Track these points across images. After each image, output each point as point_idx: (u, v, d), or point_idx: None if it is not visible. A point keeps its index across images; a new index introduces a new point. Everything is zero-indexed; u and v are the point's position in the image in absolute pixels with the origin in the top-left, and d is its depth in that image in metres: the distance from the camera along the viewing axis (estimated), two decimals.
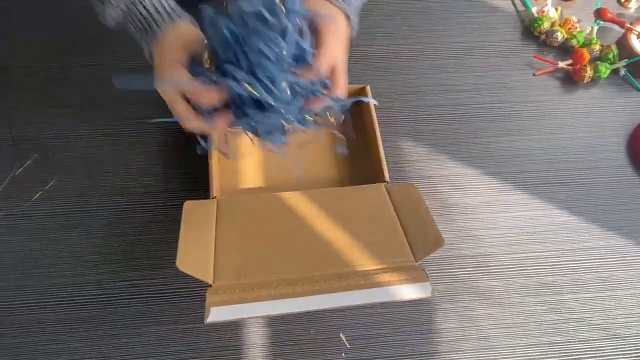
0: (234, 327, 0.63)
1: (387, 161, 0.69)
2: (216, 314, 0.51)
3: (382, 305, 0.65)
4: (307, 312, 0.64)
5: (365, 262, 0.58)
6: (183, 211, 0.58)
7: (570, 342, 0.64)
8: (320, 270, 0.57)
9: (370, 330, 0.64)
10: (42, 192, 0.70)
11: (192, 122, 0.52)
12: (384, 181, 0.67)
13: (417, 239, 0.59)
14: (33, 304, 0.64)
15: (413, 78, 0.83)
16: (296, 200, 0.64)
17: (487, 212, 0.72)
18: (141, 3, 0.55)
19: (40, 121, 0.76)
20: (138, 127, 0.76)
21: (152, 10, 0.55)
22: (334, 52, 0.53)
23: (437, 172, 0.74)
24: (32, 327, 0.62)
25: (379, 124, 0.71)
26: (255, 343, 0.63)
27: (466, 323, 0.65)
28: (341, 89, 0.54)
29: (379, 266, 0.57)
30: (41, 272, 0.66)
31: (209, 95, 0.49)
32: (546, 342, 0.64)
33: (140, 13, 0.55)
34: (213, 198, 0.64)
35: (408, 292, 0.54)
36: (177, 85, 0.51)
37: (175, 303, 0.65)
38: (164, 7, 0.55)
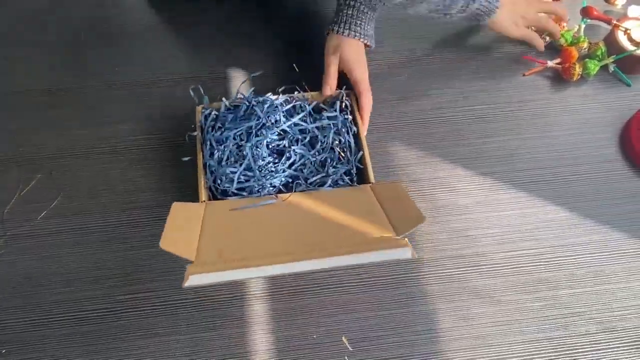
0: (237, 335, 0.64)
1: (377, 166, 0.69)
2: (194, 280, 0.53)
3: (379, 308, 0.66)
4: (298, 306, 0.66)
5: (347, 241, 0.58)
6: (171, 209, 0.59)
7: (567, 336, 0.65)
8: (302, 246, 0.58)
9: (371, 333, 0.65)
10: (47, 212, 0.72)
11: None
12: (370, 183, 0.68)
13: (398, 218, 0.60)
14: (37, 321, 0.65)
15: (401, 82, 0.84)
16: (281, 200, 0.66)
17: (480, 212, 0.73)
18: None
19: (43, 142, 0.78)
20: (137, 144, 0.78)
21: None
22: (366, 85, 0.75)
23: (429, 175, 0.75)
24: (37, 344, 0.64)
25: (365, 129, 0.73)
26: (259, 350, 0.64)
27: (463, 322, 0.66)
28: (367, 107, 0.75)
29: (360, 241, 0.58)
30: (45, 290, 0.67)
31: None
32: (543, 338, 0.65)
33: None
34: (202, 202, 0.66)
35: (389, 254, 0.55)
36: None
37: (174, 314, 0.66)
38: None
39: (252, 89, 0.76)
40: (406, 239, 0.56)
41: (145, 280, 0.68)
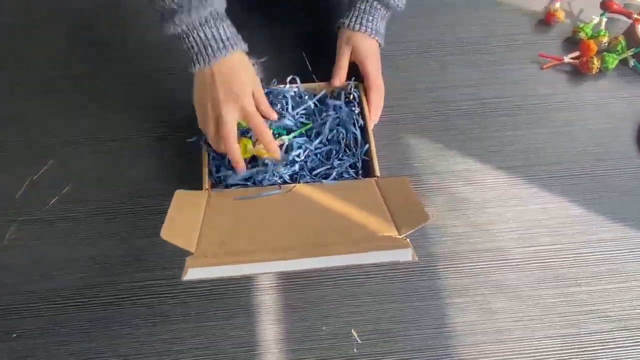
0: (246, 325, 0.64)
1: (394, 158, 0.69)
2: (193, 273, 0.52)
3: (392, 301, 0.66)
4: (310, 302, 0.66)
5: (348, 238, 0.58)
6: (174, 196, 0.59)
7: (583, 334, 0.64)
8: (303, 242, 0.58)
9: (381, 325, 0.65)
10: (59, 197, 0.72)
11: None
12: (375, 177, 0.68)
13: (401, 216, 0.59)
14: (47, 306, 0.66)
15: (420, 74, 0.83)
16: (284, 191, 0.66)
17: (499, 206, 0.72)
18: (202, 29, 0.62)
19: (55, 129, 0.78)
20: (150, 133, 0.78)
21: (210, 37, 0.62)
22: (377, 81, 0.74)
23: (448, 167, 0.75)
24: (46, 329, 0.64)
25: (384, 121, 0.72)
26: (268, 339, 0.64)
27: (480, 317, 0.65)
28: (376, 101, 0.74)
29: (362, 238, 0.58)
30: (55, 275, 0.67)
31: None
32: (559, 335, 0.64)
33: (199, 37, 0.62)
34: (205, 190, 0.66)
35: (389, 255, 0.55)
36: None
37: (185, 302, 0.66)
38: (221, 36, 0.63)
39: (260, 77, 0.75)
40: (407, 239, 0.55)
41: (156, 268, 0.68)
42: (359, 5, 0.76)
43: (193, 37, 0.62)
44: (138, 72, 0.83)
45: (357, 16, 0.75)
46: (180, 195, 0.60)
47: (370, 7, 0.75)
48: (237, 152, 0.64)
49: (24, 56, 0.85)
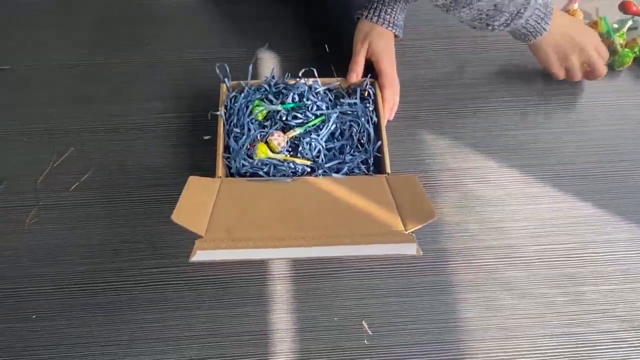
0: (258, 314, 0.65)
1: (408, 154, 0.69)
2: (200, 255, 0.54)
3: (403, 294, 0.66)
4: (317, 291, 0.66)
5: (354, 230, 0.59)
6: (187, 181, 0.60)
7: (591, 333, 0.64)
8: (311, 231, 0.58)
9: (391, 318, 0.65)
10: (78, 184, 0.73)
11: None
12: (386, 174, 0.68)
13: (409, 212, 0.60)
14: (66, 290, 0.67)
15: (435, 70, 0.83)
16: (295, 182, 0.67)
17: (511, 204, 0.72)
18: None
19: (77, 115, 0.79)
20: (169, 122, 0.79)
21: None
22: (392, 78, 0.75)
23: (461, 164, 0.75)
24: (65, 312, 0.65)
25: (400, 117, 0.73)
26: (280, 328, 0.64)
27: (488, 313, 0.65)
28: (390, 99, 0.74)
29: (368, 232, 0.58)
30: (74, 260, 0.68)
31: None
32: (567, 333, 0.64)
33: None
34: (218, 177, 0.67)
35: (393, 248, 0.55)
36: None
37: (196, 290, 0.66)
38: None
39: (272, 69, 0.77)
40: (413, 235, 0.56)
41: (170, 256, 0.69)
42: None
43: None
44: (159, 62, 0.84)
45: (376, 8, 0.76)
46: (193, 181, 0.61)
47: None
48: None
49: (47, 41, 0.86)
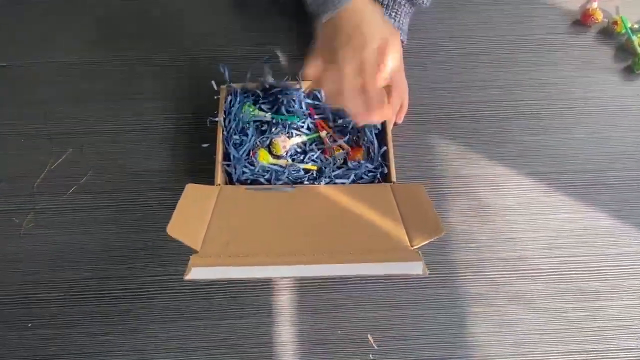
0: (264, 325, 0.64)
1: (419, 160, 0.67)
2: (196, 273, 0.51)
3: (411, 307, 0.64)
4: (319, 306, 0.65)
5: (358, 246, 0.56)
6: (185, 190, 0.58)
7: (609, 350, 0.62)
8: (311, 247, 0.56)
9: (398, 332, 0.63)
10: (76, 187, 0.72)
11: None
12: (391, 182, 0.66)
13: (414, 227, 0.57)
14: (64, 297, 0.65)
15: (448, 74, 0.81)
16: (298, 191, 0.64)
17: (525, 214, 0.70)
18: None
19: (76, 115, 0.77)
20: (170, 124, 0.77)
21: None
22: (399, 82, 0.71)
23: (473, 171, 0.73)
24: (62, 320, 0.64)
25: (408, 121, 0.70)
26: (285, 341, 0.63)
27: (501, 328, 0.63)
28: (396, 105, 0.70)
29: (372, 248, 0.56)
30: (72, 266, 0.67)
31: None
32: (583, 350, 0.62)
33: None
34: (217, 185, 0.65)
35: (399, 268, 0.53)
36: None
37: (203, 299, 0.65)
38: None
39: (269, 71, 0.74)
40: (418, 252, 0.53)
41: (170, 263, 0.67)
42: (382, 0, 0.74)
43: None
44: (161, 62, 0.82)
45: None
46: (191, 189, 0.59)
47: (394, 2, 0.73)
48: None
49: (46, 39, 0.84)
